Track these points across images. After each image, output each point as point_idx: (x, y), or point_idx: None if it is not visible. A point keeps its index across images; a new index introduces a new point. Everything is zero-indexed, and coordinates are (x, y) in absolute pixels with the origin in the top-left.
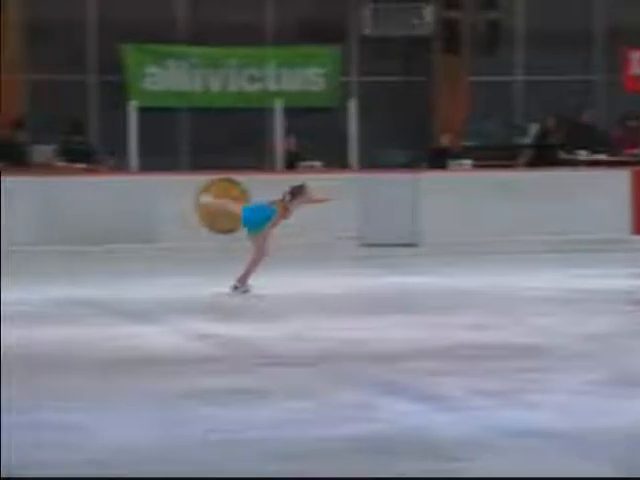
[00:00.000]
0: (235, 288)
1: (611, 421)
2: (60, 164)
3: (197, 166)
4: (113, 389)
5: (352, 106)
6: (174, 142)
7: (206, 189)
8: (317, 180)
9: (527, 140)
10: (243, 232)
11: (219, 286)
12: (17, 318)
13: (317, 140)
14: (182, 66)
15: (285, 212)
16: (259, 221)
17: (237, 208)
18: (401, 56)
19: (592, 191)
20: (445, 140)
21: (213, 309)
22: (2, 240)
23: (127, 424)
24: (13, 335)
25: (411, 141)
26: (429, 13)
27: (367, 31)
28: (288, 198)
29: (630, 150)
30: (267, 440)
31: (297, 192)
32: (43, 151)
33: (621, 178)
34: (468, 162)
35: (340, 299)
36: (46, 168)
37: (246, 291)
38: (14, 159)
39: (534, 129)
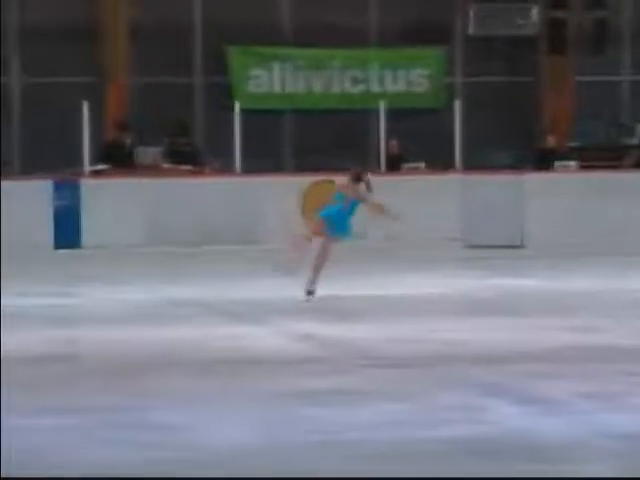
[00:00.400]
0: (309, 293)
1: None
2: (166, 166)
3: (300, 168)
4: (216, 389)
5: (457, 107)
6: (278, 144)
7: (309, 191)
8: (420, 181)
9: (634, 140)
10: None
11: (321, 288)
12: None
13: (420, 141)
14: (286, 68)
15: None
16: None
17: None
18: (506, 56)
19: None
20: (551, 141)
21: (315, 310)
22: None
23: (229, 424)
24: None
25: (516, 142)
26: (535, 13)
27: (471, 31)
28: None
29: None
30: (368, 441)
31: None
32: (150, 153)
33: None
34: (574, 163)
35: (443, 300)
36: (152, 170)
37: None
38: (121, 161)
39: None
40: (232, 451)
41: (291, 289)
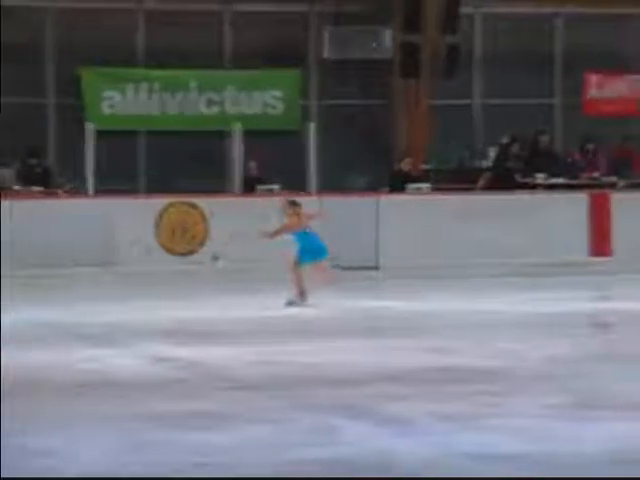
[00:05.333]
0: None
1: (571, 445)
2: (17, 188)
3: (156, 189)
4: (71, 413)
5: (311, 129)
6: (132, 166)
7: (165, 212)
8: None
9: (486, 163)
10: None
11: (178, 309)
12: None
13: (278, 163)
14: (140, 89)
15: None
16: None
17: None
18: (361, 80)
19: (551, 214)
20: (406, 164)
21: (172, 332)
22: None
23: (81, 449)
24: None
25: (372, 164)
26: (388, 37)
27: (326, 54)
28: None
29: (589, 173)
30: (228, 465)
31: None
32: (2, 175)
33: (579, 201)
34: (427, 185)
35: (300, 322)
36: (5, 191)
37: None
38: None
39: (493, 152)
40: (81, 476)
41: (147, 312)
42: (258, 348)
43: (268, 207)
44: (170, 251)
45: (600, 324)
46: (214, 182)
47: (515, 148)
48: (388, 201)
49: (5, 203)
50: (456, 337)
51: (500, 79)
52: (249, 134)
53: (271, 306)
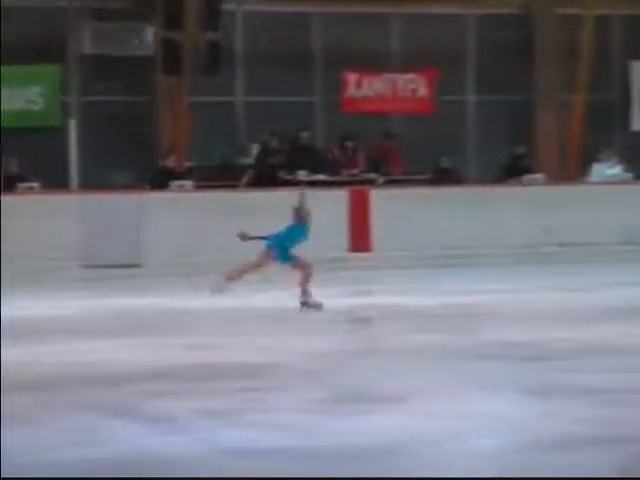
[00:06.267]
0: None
1: (334, 439)
2: None
3: None
4: None
5: (72, 126)
6: None
7: None
8: (36, 202)
9: (249, 160)
10: None
11: None
12: None
13: (40, 161)
14: None
15: None
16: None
17: None
18: (124, 76)
19: (312, 211)
20: (170, 161)
21: None
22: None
23: None
24: None
25: (136, 161)
26: (150, 33)
27: (87, 50)
28: None
29: (348, 170)
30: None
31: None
32: None
33: (340, 198)
34: (189, 182)
35: (63, 322)
36: None
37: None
38: None
39: (256, 149)
40: None
41: None
42: (18, 349)
43: (30, 206)
44: None
45: (360, 319)
46: None
47: (274, 143)
48: (151, 198)
49: None
50: (219, 333)
51: (262, 76)
52: (11, 131)
53: (26, 306)
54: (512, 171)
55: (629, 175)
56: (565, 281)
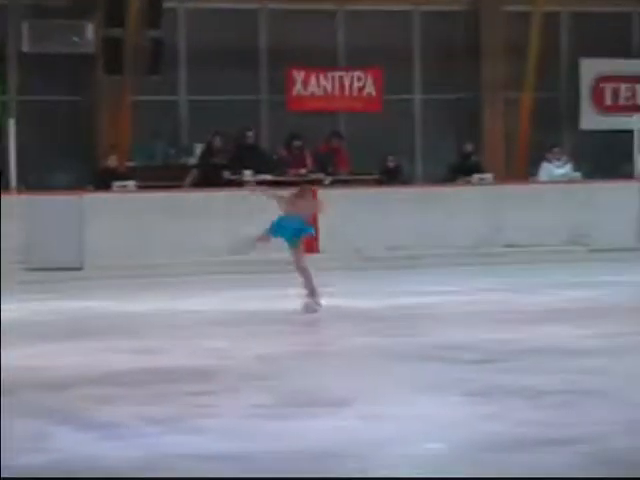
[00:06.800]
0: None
1: (280, 442)
2: None
3: None
4: None
5: (11, 125)
6: None
7: None
8: None
9: (193, 160)
10: None
11: None
12: None
13: None
14: None
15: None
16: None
17: None
18: (64, 74)
19: (260, 211)
20: (111, 160)
21: None
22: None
23: None
24: None
25: (77, 162)
26: (90, 31)
27: (26, 48)
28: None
29: (295, 170)
30: None
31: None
32: None
33: None
34: (132, 183)
35: (5, 326)
36: None
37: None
38: None
39: (200, 149)
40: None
41: None
42: None
43: None
44: None
45: (306, 321)
46: None
47: (218, 142)
48: (92, 199)
49: None
50: (164, 337)
51: (206, 75)
52: None
53: None
54: (461, 169)
55: (577, 174)
56: (511, 282)
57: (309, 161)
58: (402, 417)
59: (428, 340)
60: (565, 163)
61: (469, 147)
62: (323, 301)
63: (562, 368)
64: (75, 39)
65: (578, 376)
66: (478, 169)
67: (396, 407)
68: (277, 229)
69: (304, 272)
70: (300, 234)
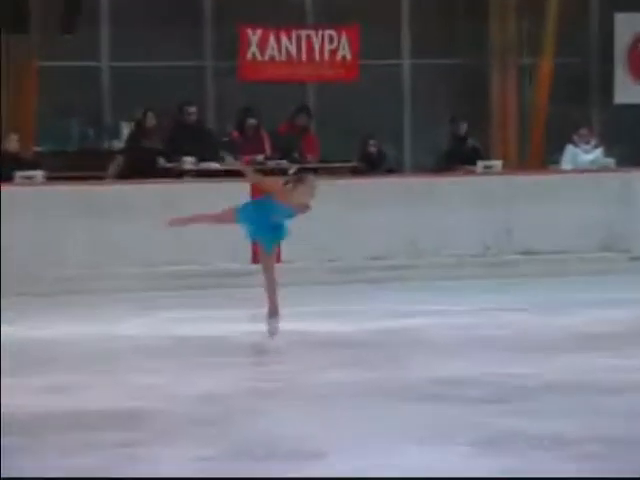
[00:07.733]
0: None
1: None
2: None
3: None
4: None
5: None
6: None
7: None
8: None
9: (118, 144)
10: None
11: None
12: None
13: None
14: None
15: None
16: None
17: None
18: None
19: (201, 208)
20: (10, 141)
21: None
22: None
23: None
24: None
25: None
26: None
27: None
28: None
29: (250, 156)
30: None
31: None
32: None
33: (238, 193)
34: (39, 173)
35: None
36: None
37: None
38: None
39: (127, 129)
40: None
41: None
42: None
43: None
44: None
45: (263, 350)
46: None
47: (151, 121)
48: None
49: None
50: (84, 371)
51: (135, 36)
52: None
53: None
54: (455, 156)
55: (610, 161)
56: (526, 299)
57: (267, 145)
58: (392, 475)
59: (421, 373)
60: (595, 147)
61: (464, 128)
62: (281, 324)
63: (594, 409)
64: None
65: (614, 420)
66: (477, 155)
67: (383, 461)
68: (252, 222)
69: (271, 285)
70: (281, 237)
